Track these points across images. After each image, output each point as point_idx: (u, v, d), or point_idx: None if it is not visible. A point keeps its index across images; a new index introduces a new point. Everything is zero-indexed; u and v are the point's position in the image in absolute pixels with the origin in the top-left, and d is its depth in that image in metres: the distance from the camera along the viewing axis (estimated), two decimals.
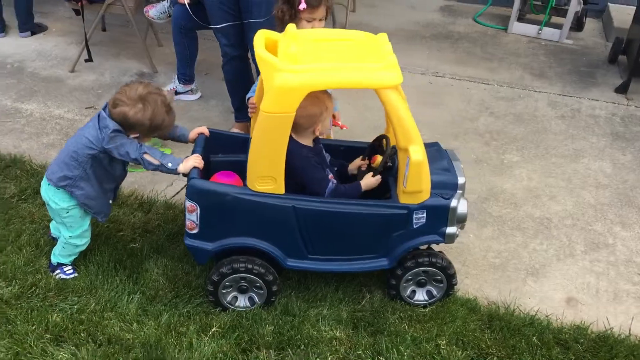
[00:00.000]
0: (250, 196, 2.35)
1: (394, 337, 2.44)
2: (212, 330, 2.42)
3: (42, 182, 2.60)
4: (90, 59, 4.51)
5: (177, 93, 4.29)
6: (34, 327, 2.38)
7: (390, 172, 2.53)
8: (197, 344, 2.35)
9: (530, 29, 5.89)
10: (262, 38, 2.37)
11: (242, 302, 2.55)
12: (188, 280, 2.67)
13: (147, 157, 2.42)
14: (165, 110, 2.46)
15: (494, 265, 2.95)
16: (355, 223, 2.44)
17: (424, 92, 4.65)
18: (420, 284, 2.61)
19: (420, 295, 2.63)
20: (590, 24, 6.27)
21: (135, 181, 3.38)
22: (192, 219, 2.41)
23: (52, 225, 2.83)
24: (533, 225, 3.24)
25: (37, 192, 3.15)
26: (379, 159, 2.58)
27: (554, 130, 4.19)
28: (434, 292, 2.62)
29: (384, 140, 2.60)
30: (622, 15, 5.87)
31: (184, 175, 2.47)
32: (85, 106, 4.16)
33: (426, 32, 5.76)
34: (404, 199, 2.41)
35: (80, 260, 2.72)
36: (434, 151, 2.59)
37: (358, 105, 4.19)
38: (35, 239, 2.83)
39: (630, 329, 2.58)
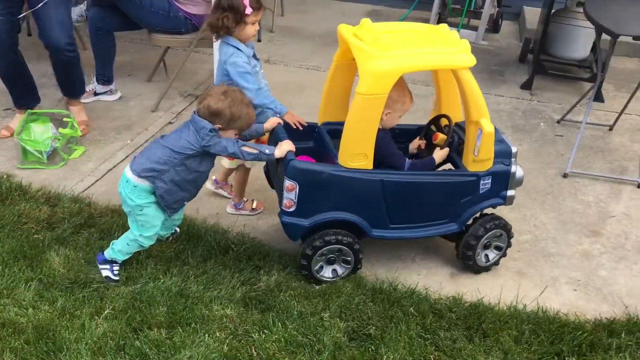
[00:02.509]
0: (343, 172, 2.61)
1: (281, 313, 2.59)
2: (105, 312, 2.52)
3: (122, 178, 2.64)
4: None
5: (96, 94, 4.38)
6: None
7: (451, 147, 2.85)
8: (89, 325, 2.45)
9: None
10: (350, 32, 2.69)
11: (327, 272, 2.80)
12: (86, 268, 2.77)
13: (245, 148, 2.61)
14: (245, 104, 2.61)
15: (389, 244, 3.13)
16: (433, 191, 2.75)
17: None
18: (486, 247, 2.91)
19: (492, 255, 2.94)
20: (508, 26, 6.61)
21: (46, 177, 3.47)
22: (291, 197, 2.62)
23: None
24: None
25: None
26: (440, 136, 2.88)
27: None
28: (500, 247, 2.94)
29: (444, 118, 2.92)
30: (534, 17, 6.19)
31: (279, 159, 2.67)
32: (4, 108, 4.21)
33: None
34: (473, 167, 2.73)
35: None
36: None
37: None
38: None
39: (500, 299, 2.79)
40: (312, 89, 4.55)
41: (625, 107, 4.36)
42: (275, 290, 2.73)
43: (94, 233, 2.98)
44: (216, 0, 2.97)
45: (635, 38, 3.47)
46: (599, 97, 4.92)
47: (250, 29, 2.95)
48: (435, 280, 2.92)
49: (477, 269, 2.92)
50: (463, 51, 2.58)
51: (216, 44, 3.56)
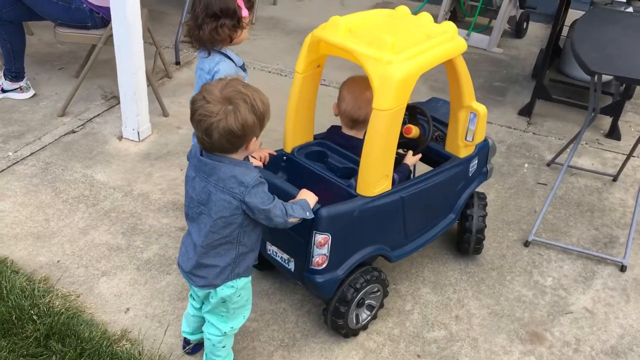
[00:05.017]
0: (371, 203, 2.26)
1: None
2: None
3: (215, 295, 2.01)
4: None
5: (3, 91, 3.85)
6: None
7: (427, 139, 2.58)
8: None
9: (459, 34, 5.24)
10: (338, 35, 2.18)
11: (363, 314, 2.44)
12: None
13: (291, 220, 1.98)
14: (256, 90, 1.86)
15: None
16: (439, 190, 2.53)
17: None
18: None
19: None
20: (539, 30, 5.60)
21: None
22: (323, 253, 2.19)
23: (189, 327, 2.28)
24: None
25: None
26: (414, 129, 2.58)
27: None
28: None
29: (419, 110, 2.62)
30: (569, 21, 5.16)
31: None
32: None
33: None
34: (464, 153, 2.57)
35: None
36: (443, 103, 2.88)
37: None
38: None
39: None
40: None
41: (633, 149, 3.37)
42: None
43: None
44: (200, 8, 2.31)
45: (617, 78, 2.53)
46: (614, 133, 3.92)
47: (245, 33, 2.46)
48: None
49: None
50: (455, 36, 2.32)
51: None
